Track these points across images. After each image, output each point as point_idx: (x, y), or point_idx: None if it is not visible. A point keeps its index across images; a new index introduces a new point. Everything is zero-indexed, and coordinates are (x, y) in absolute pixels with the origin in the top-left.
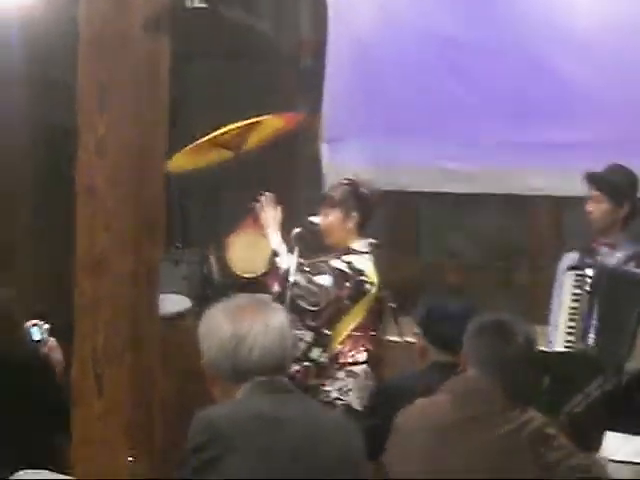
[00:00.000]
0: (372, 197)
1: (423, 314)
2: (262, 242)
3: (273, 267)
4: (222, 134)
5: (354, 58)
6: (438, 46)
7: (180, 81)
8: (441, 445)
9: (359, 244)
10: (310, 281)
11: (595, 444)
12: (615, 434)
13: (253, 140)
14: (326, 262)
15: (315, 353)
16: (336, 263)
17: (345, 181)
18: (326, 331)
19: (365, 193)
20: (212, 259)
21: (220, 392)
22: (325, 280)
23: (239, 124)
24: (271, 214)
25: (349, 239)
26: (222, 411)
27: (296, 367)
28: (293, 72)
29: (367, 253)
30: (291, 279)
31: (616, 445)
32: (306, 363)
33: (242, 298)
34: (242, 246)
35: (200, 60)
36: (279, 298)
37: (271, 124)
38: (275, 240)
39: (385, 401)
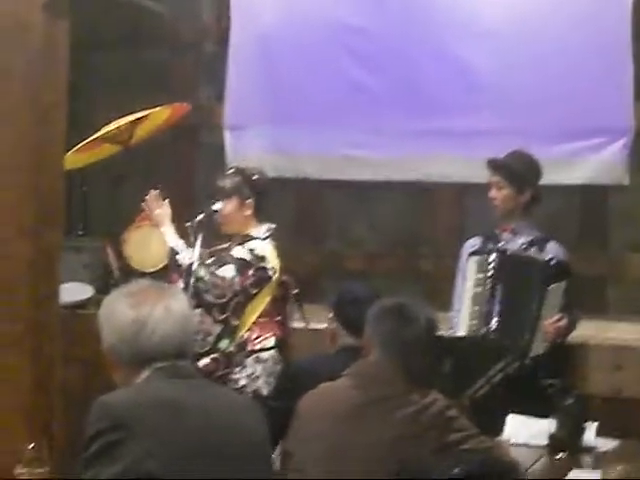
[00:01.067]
0: (264, 182)
1: (334, 298)
2: (158, 236)
3: (173, 262)
4: (110, 130)
5: (256, 45)
6: (341, 34)
7: (79, 67)
8: (342, 430)
9: (258, 230)
10: (214, 274)
11: (497, 427)
12: (517, 417)
13: (141, 133)
14: (228, 252)
15: (224, 344)
16: (238, 252)
17: (233, 170)
18: (233, 321)
19: (256, 179)
20: (110, 253)
21: (121, 378)
22: (229, 271)
23: (127, 119)
24: (159, 211)
25: (247, 226)
26: (122, 397)
27: (206, 360)
28: (194, 58)
29: (267, 239)
30: (194, 273)
31: (518, 428)
32: (215, 355)
33: (143, 283)
34: (138, 241)
35: (99, 45)
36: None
37: (159, 116)
38: (170, 237)
39: (293, 384)
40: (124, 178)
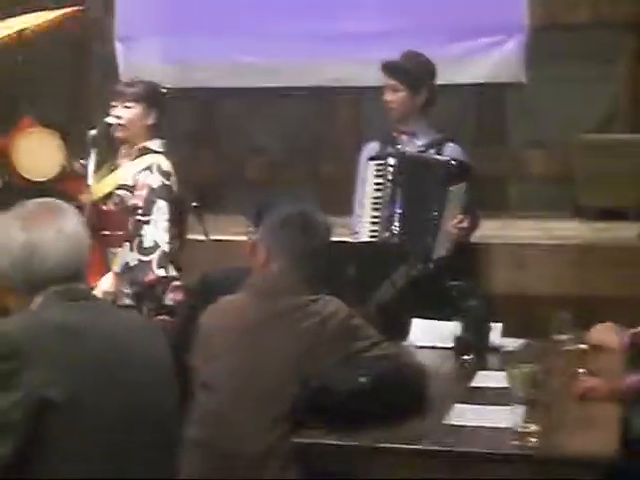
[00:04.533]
0: (166, 97)
1: (256, 210)
2: (51, 142)
3: (68, 171)
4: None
5: None
6: None
7: None
8: (247, 344)
9: (155, 143)
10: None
11: (403, 331)
12: (422, 320)
13: (28, 33)
14: (133, 174)
15: (172, 271)
16: (154, 180)
17: (139, 78)
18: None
19: (164, 92)
20: None
21: (15, 303)
22: (163, 206)
23: (19, 21)
24: None
25: (145, 137)
26: (17, 324)
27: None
28: None
29: (162, 153)
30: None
31: (423, 331)
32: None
33: (32, 204)
34: (28, 148)
35: None
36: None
37: (48, 18)
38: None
39: (207, 294)
40: (17, 95)
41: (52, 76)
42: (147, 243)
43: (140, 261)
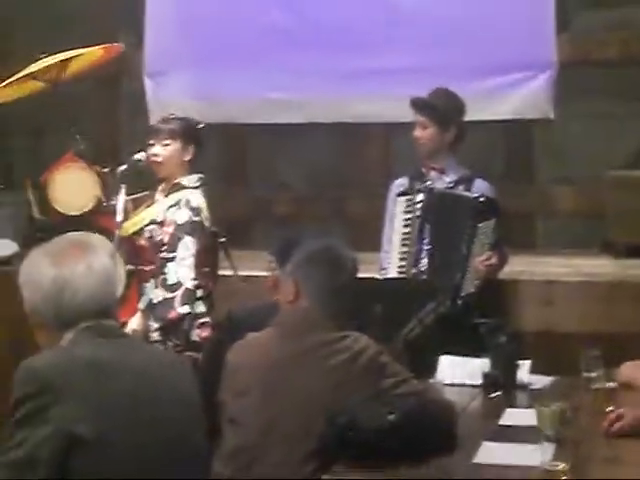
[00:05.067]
0: (203, 133)
1: (280, 246)
2: (86, 178)
3: (100, 204)
4: (40, 69)
5: None
6: None
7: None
8: (275, 380)
9: (189, 179)
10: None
11: (431, 368)
12: (450, 357)
13: (71, 71)
14: (162, 209)
15: (200, 307)
16: (180, 216)
17: (175, 115)
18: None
19: (200, 128)
20: (31, 197)
21: (45, 339)
22: (189, 242)
23: (57, 58)
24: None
25: (180, 173)
26: (48, 359)
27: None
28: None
29: (197, 188)
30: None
31: (451, 368)
32: (202, 320)
33: (63, 240)
34: (64, 182)
35: None
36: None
37: (90, 55)
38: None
39: (234, 330)
40: (46, 130)
41: (81, 111)
42: (171, 280)
43: (164, 298)
